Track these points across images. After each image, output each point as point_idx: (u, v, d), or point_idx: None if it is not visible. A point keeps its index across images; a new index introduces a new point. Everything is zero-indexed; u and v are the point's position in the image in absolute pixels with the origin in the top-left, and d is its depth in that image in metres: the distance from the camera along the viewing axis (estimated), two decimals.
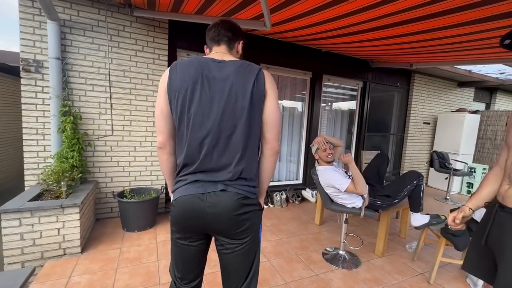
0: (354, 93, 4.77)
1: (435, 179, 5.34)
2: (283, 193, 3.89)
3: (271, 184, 4.15)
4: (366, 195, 2.15)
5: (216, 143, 0.99)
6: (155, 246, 2.45)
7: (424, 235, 2.44)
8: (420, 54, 3.20)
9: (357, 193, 2.10)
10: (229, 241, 1.03)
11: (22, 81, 2.48)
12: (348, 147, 4.95)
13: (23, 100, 2.50)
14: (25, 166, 2.56)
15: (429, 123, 5.48)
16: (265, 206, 3.66)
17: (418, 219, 2.28)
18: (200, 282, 1.17)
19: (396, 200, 2.20)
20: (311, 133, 4.24)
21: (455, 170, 4.43)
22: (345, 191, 2.10)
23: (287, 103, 4.34)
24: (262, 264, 2.26)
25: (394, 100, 5.30)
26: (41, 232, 2.07)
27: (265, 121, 1.04)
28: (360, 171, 2.17)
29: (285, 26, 2.60)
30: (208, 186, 0.99)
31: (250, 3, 2.05)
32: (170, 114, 1.04)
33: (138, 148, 3.01)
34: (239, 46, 1.16)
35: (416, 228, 2.32)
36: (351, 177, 2.17)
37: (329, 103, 4.78)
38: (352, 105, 4.88)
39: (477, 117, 5.20)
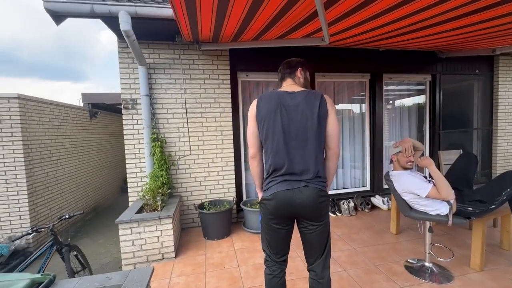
0: (422, 87, 4.36)
1: None
2: (351, 201, 3.76)
3: (336, 192, 4.05)
4: (453, 201, 1.96)
5: (296, 152, 1.34)
6: (234, 253, 2.67)
7: None
8: (504, 37, 2.78)
9: (442, 199, 1.93)
10: (312, 223, 1.37)
11: (123, 116, 3.10)
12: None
13: (125, 132, 3.11)
14: (129, 185, 3.15)
15: None
16: (332, 215, 3.61)
17: None
18: (287, 256, 1.51)
19: (493, 206, 1.93)
20: (375, 136, 4.03)
21: None
22: (426, 196, 1.95)
23: (345, 106, 4.23)
24: (338, 273, 2.25)
25: (474, 90, 4.61)
26: (146, 239, 2.51)
27: (328, 134, 1.38)
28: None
29: (342, 35, 2.62)
30: (294, 184, 1.33)
31: (306, 23, 2.17)
32: (258, 133, 1.42)
33: (211, 164, 3.38)
34: (298, 73, 1.51)
35: None
36: (431, 182, 2.01)
37: (394, 102, 4.47)
38: (421, 100, 4.45)
39: None
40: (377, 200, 3.83)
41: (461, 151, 3.72)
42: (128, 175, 3.15)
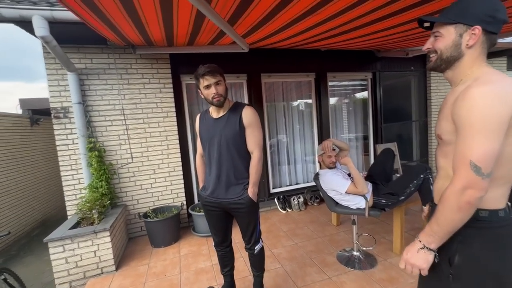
0: (365, 82, 4.64)
1: None
2: (301, 196, 3.93)
3: (288, 188, 4.21)
4: (369, 195, 2.14)
5: None
6: (178, 259, 2.68)
7: None
8: (415, 40, 3.05)
9: (359, 193, 2.10)
10: None
11: (54, 126, 2.91)
12: (365, 140, 4.80)
13: (57, 142, 2.93)
14: (66, 198, 2.99)
15: None
16: (282, 211, 3.75)
17: None
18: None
19: (402, 197, 2.14)
20: (323, 131, 4.22)
21: None
22: (346, 192, 2.11)
23: (294, 104, 4.38)
24: (275, 270, 2.36)
25: (411, 85, 5.01)
26: (81, 255, 2.42)
27: None
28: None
29: (268, 41, 2.69)
30: None
31: (223, 35, 2.19)
32: None
33: (157, 171, 3.31)
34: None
35: None
36: (351, 178, 2.17)
37: (340, 98, 4.71)
38: (364, 96, 4.74)
39: None
40: None
41: (395, 144, 4.06)
42: (64, 188, 2.98)
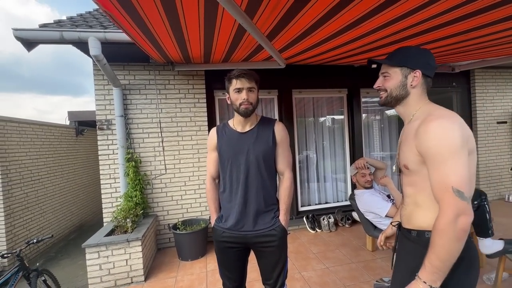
0: None
1: None
2: (331, 216, 3.74)
3: (317, 207, 4.04)
4: None
5: None
6: (205, 275, 2.64)
7: (503, 264, 2.03)
8: (464, 53, 2.86)
9: None
10: None
11: (98, 137, 3.13)
12: None
13: (99, 152, 3.13)
14: (103, 206, 3.14)
15: (505, 122, 4.62)
16: (311, 231, 3.58)
17: (488, 245, 1.94)
18: None
19: None
20: (355, 149, 4.05)
21: None
22: (386, 215, 1.95)
23: (325, 120, 4.28)
24: None
25: (453, 101, 4.68)
26: (114, 263, 2.48)
27: None
28: None
29: (301, 56, 2.69)
30: None
31: (261, 49, 2.24)
32: None
33: (188, 183, 3.38)
34: None
35: (488, 257, 1.97)
36: (393, 201, 2.01)
37: (373, 114, 4.52)
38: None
39: None
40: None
41: None
42: (102, 196, 3.14)
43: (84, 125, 6.03)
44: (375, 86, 1.13)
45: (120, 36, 2.58)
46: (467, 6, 1.56)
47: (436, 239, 0.81)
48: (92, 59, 3.02)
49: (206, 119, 3.42)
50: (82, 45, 2.66)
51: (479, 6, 1.56)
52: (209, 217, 3.36)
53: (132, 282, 2.52)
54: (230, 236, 1.40)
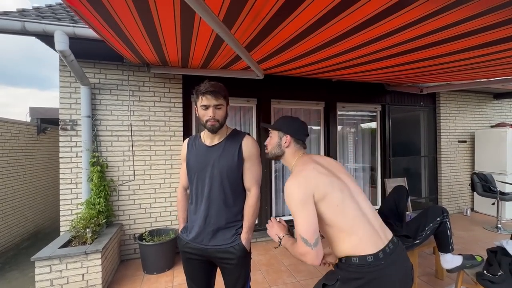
0: (374, 113, 4.62)
1: (482, 203, 4.71)
2: None
3: (291, 218, 4.03)
4: None
5: None
6: None
7: (461, 278, 2.13)
8: (432, 76, 3.06)
9: None
10: None
11: (60, 138, 2.88)
12: (372, 171, 4.68)
13: (60, 154, 2.88)
14: (61, 213, 2.87)
15: (465, 141, 4.99)
16: None
17: (449, 260, 2.03)
18: None
19: (417, 241, 1.99)
20: None
21: (503, 193, 3.90)
22: None
23: None
24: None
25: (420, 120, 4.99)
26: (68, 278, 2.25)
27: None
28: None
29: (281, 68, 2.72)
30: None
31: (239, 59, 2.21)
32: None
33: (158, 190, 3.21)
34: None
35: (448, 271, 2.06)
36: None
37: (348, 127, 4.67)
38: (373, 126, 4.70)
39: None
40: None
41: (405, 179, 3.93)
42: (61, 202, 2.88)
43: (48, 123, 5.57)
44: (264, 143, 1.40)
45: (92, 32, 2.42)
46: (437, 34, 1.66)
47: (292, 248, 1.18)
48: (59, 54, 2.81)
49: (181, 124, 3.30)
50: (48, 39, 2.45)
51: (446, 35, 1.67)
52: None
53: None
54: (192, 247, 1.40)
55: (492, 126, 5.00)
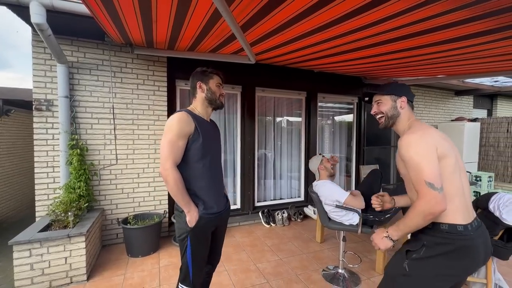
0: (351, 106, 4.89)
1: None
2: (285, 211, 3.93)
3: (272, 202, 4.20)
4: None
5: None
6: (158, 271, 2.52)
7: None
8: (405, 68, 3.32)
9: (356, 206, 2.16)
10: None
11: (34, 119, 2.70)
12: (347, 161, 4.99)
13: (35, 136, 2.71)
14: (36, 198, 2.73)
15: None
16: (266, 225, 3.71)
17: None
18: None
19: (389, 215, 2.24)
20: (310, 149, 4.33)
21: None
22: (344, 203, 2.16)
23: (284, 120, 4.47)
24: (261, 285, 2.30)
25: None
26: (49, 262, 2.19)
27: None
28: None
29: (269, 54, 2.78)
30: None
31: (231, 41, 2.24)
32: None
33: (141, 175, 3.16)
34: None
35: None
36: (348, 191, 2.26)
37: (328, 119, 4.90)
38: (350, 119, 4.98)
39: (477, 124, 5.19)
40: (309, 210, 4.08)
41: (377, 166, 4.25)
42: (36, 186, 2.74)
43: (11, 104, 5.10)
44: (372, 112, 1.42)
45: (72, 5, 2.28)
46: (410, 27, 1.84)
47: (411, 212, 1.11)
48: (33, 27, 2.60)
49: (166, 108, 3.25)
50: (21, 10, 2.26)
51: (417, 29, 1.86)
52: (164, 211, 3.22)
53: (71, 282, 2.26)
54: (216, 221, 1.50)
55: (452, 120, 5.54)
